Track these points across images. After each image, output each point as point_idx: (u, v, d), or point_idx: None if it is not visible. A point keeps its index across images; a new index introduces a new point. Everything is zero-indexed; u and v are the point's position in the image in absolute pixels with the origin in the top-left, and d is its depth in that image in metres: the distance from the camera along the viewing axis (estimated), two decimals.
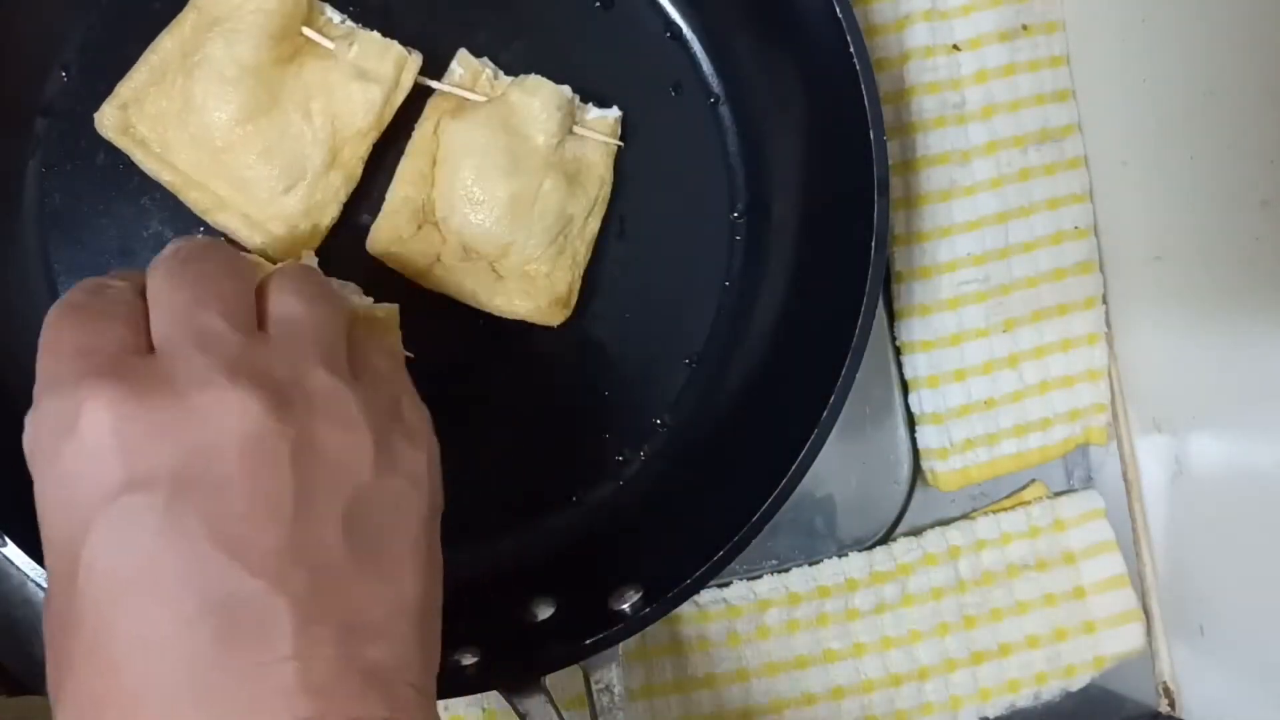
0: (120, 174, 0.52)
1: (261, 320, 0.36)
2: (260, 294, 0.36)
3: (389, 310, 0.50)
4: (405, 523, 0.35)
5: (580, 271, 0.54)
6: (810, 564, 0.59)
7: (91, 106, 0.50)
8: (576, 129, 0.53)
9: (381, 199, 0.53)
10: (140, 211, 0.53)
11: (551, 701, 0.48)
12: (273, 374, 0.33)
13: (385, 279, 0.53)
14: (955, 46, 0.60)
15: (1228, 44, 0.51)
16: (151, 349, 0.34)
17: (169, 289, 0.35)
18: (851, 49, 0.49)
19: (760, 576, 0.59)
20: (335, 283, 0.51)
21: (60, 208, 0.52)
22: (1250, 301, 0.52)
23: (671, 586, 0.48)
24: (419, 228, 0.52)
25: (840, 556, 0.59)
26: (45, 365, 0.34)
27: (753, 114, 0.57)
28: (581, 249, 0.54)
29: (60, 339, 0.34)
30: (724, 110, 0.57)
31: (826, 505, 0.60)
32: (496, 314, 0.53)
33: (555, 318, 0.53)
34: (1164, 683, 0.62)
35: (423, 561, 0.36)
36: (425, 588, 0.36)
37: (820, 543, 0.60)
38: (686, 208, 0.57)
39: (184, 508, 0.30)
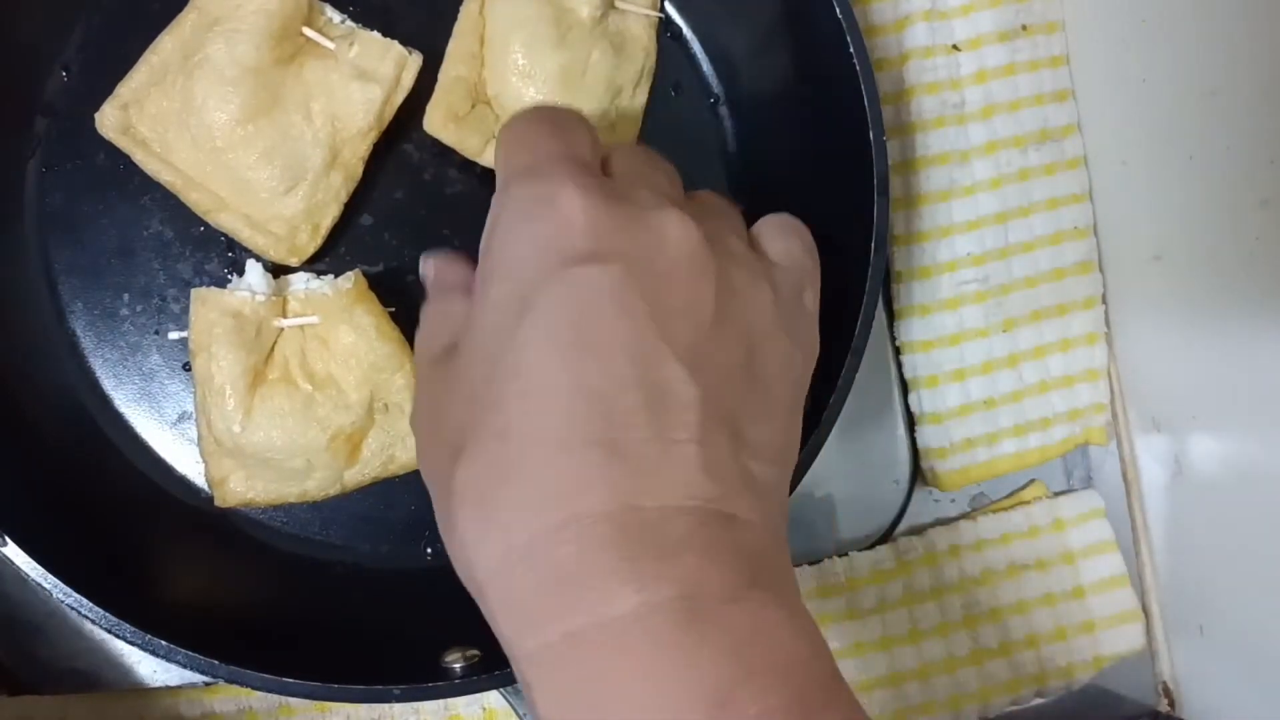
0: (120, 174, 0.52)
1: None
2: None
3: (354, 279, 0.50)
4: (790, 378, 0.39)
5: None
6: (810, 564, 0.59)
7: (91, 106, 0.50)
8: (618, 3, 0.53)
9: (382, 198, 0.53)
10: (140, 211, 0.53)
11: None
12: (704, 225, 0.38)
13: (386, 280, 0.53)
14: (955, 47, 0.60)
15: (1228, 44, 0.51)
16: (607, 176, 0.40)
17: (628, 152, 0.42)
18: (851, 49, 0.48)
19: None
20: (328, 278, 0.51)
21: (60, 208, 0.52)
22: (1250, 301, 0.52)
23: None
24: (472, 106, 0.52)
25: (840, 556, 0.59)
26: (520, 157, 0.39)
27: (753, 114, 0.57)
28: (631, 121, 0.54)
29: (539, 140, 0.40)
30: (724, 110, 0.57)
31: (826, 505, 0.60)
32: None
33: None
34: (1164, 683, 0.62)
35: (796, 422, 0.40)
36: (794, 444, 0.40)
37: (820, 543, 0.60)
38: None
39: (633, 287, 0.35)
